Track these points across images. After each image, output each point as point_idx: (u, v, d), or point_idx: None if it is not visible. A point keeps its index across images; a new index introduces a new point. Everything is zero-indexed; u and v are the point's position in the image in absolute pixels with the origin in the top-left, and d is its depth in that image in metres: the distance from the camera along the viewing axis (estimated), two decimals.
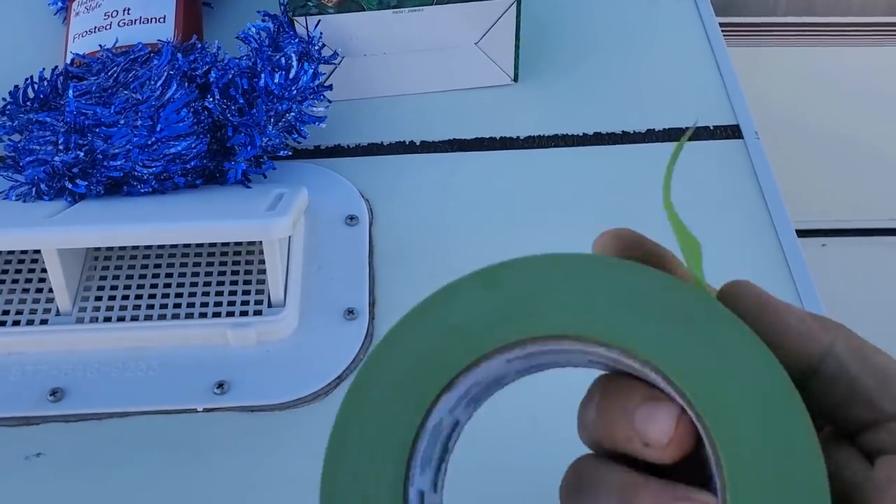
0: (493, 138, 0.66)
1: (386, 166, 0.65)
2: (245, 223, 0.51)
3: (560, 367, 0.27)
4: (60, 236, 0.52)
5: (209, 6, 0.75)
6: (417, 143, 0.66)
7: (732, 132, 0.66)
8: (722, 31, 0.74)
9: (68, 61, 0.66)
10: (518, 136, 0.66)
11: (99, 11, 0.69)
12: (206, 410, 0.52)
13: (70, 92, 0.60)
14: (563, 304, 0.25)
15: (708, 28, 0.73)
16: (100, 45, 0.65)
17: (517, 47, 0.67)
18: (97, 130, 0.58)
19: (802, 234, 0.63)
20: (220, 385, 0.53)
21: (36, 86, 0.63)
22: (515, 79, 0.69)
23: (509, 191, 0.64)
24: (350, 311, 0.56)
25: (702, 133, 0.66)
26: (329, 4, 0.63)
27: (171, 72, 0.60)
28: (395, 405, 0.25)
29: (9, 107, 0.62)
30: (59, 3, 0.74)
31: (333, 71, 0.65)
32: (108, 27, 0.68)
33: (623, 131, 0.66)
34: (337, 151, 0.66)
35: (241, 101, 0.59)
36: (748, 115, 0.67)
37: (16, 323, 0.55)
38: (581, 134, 0.66)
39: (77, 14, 0.70)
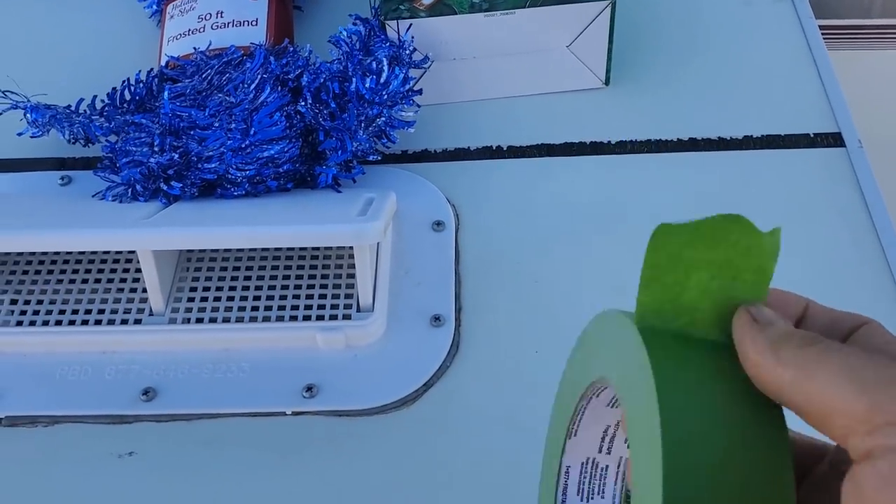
0: (582, 143, 0.65)
1: (473, 171, 0.64)
2: (338, 228, 0.51)
3: None
4: (156, 238, 0.52)
5: (300, 9, 0.75)
6: (505, 149, 0.65)
7: (834, 140, 0.63)
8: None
9: (163, 63, 0.67)
10: (609, 141, 0.65)
11: (193, 14, 0.70)
12: (295, 414, 0.52)
13: (165, 94, 0.61)
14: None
15: (807, 31, 0.71)
16: (194, 48, 0.66)
17: (610, 50, 0.65)
18: (192, 133, 0.59)
19: None
20: (310, 388, 0.53)
21: (132, 88, 0.65)
22: (607, 82, 0.68)
23: (599, 197, 0.62)
24: (437, 318, 0.56)
25: (802, 141, 0.64)
26: (421, 8, 0.63)
27: (265, 75, 0.60)
28: None
29: (107, 108, 0.64)
30: (154, 7, 0.75)
31: (423, 75, 0.65)
32: (201, 30, 0.69)
33: (720, 137, 0.64)
34: (424, 156, 0.65)
35: (333, 105, 0.59)
36: (850, 122, 0.64)
37: (110, 322, 0.56)
38: (675, 139, 0.65)
39: (171, 17, 0.71)
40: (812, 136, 0.64)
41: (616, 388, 0.26)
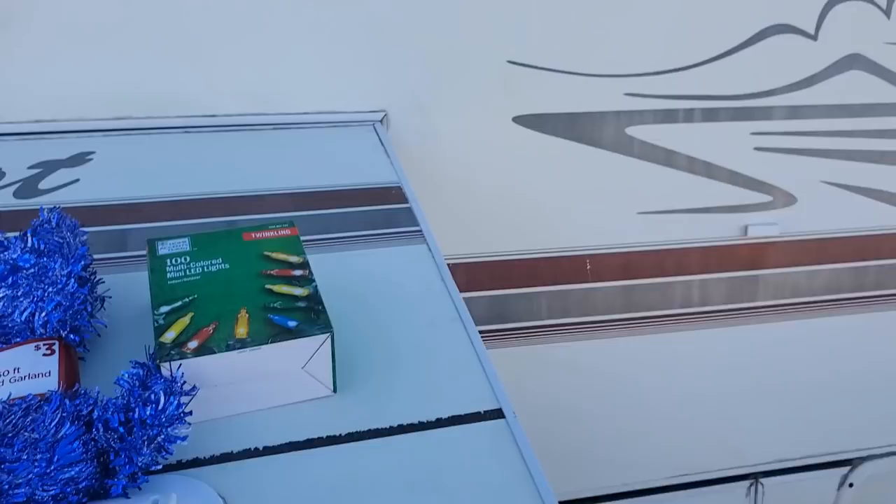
0: (321, 437, 0.86)
1: (239, 470, 0.82)
2: None
3: None
4: None
5: (83, 359, 0.93)
6: (261, 448, 0.85)
7: (497, 413, 0.89)
8: (495, 335, 1.01)
9: None
10: (340, 434, 0.86)
11: None
12: None
13: None
14: None
15: (472, 338, 1.00)
16: None
17: (334, 367, 0.89)
18: (2, 466, 0.73)
19: None
20: None
21: None
22: (335, 390, 0.90)
23: (344, 481, 0.82)
24: None
25: (474, 417, 0.89)
26: (188, 351, 0.84)
27: (63, 414, 0.76)
28: None
29: None
30: None
31: (190, 400, 0.84)
32: (0, 384, 0.84)
33: (419, 421, 0.88)
34: (195, 462, 0.83)
35: (122, 430, 0.76)
36: (507, 399, 0.91)
37: None
38: (388, 427, 0.87)
39: None
40: (482, 412, 0.89)
41: None
